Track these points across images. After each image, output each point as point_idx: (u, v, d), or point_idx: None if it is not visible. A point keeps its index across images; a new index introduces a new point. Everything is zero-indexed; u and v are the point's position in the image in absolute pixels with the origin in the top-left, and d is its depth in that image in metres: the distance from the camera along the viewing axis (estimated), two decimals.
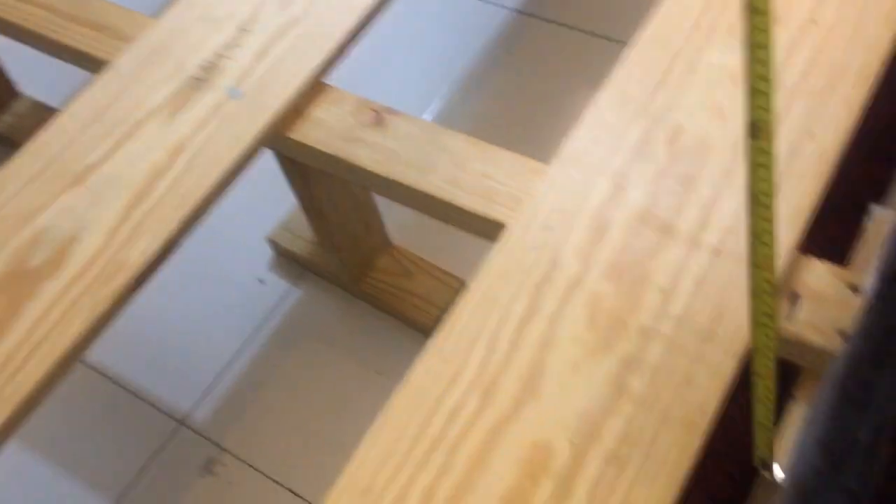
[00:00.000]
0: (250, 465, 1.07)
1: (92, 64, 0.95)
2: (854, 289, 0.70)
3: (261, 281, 1.21)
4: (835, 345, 0.66)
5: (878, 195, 1.04)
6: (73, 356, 0.74)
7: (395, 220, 1.21)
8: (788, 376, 0.70)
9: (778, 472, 0.63)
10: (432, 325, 1.09)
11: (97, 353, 1.16)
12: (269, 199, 1.19)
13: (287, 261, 1.23)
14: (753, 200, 0.47)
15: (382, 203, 1.14)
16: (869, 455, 0.53)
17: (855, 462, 0.52)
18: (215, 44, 0.92)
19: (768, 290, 0.51)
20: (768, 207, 0.47)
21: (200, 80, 0.89)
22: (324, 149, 0.84)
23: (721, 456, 1.04)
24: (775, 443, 0.63)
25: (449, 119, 1.34)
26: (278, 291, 1.20)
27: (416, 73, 1.41)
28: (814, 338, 0.67)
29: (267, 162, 0.95)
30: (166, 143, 0.85)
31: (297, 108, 0.87)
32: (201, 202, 0.80)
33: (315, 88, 0.89)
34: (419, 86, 1.39)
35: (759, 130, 0.45)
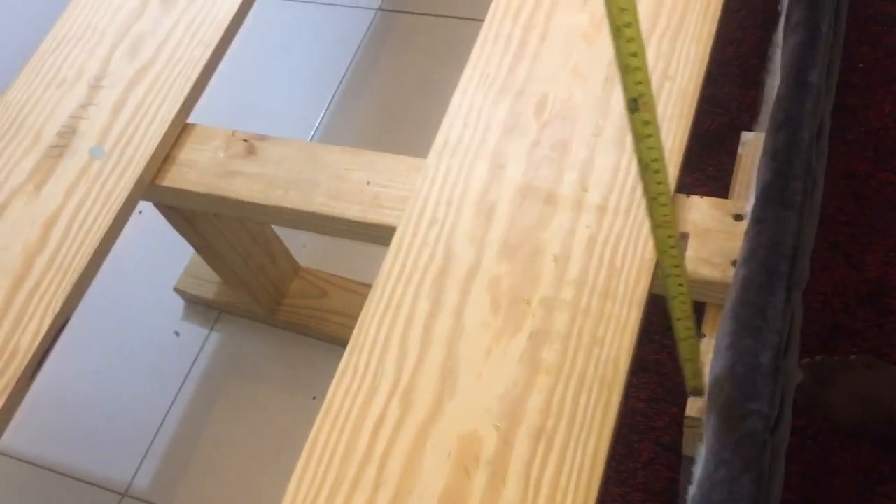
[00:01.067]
0: None
1: None
2: (738, 217, 0.72)
3: (176, 333, 1.18)
4: (730, 276, 0.67)
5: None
6: None
7: (301, 241, 1.19)
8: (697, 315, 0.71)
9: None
10: None
11: (19, 442, 1.12)
12: (169, 249, 1.16)
13: (200, 307, 1.20)
14: (645, 168, 0.48)
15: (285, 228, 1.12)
16: (774, 375, 0.54)
17: (762, 385, 0.54)
18: (69, 106, 0.89)
19: (673, 245, 0.53)
20: (659, 171, 0.48)
21: (61, 147, 0.86)
22: (199, 189, 0.82)
23: (660, 401, 1.07)
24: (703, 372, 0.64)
25: (337, 132, 1.33)
26: (197, 340, 1.18)
27: (297, 93, 1.40)
28: (708, 272, 0.68)
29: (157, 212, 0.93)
30: (37, 218, 0.82)
31: (166, 153, 0.85)
32: (84, 272, 0.77)
33: (181, 130, 0.87)
34: (302, 106, 1.38)
35: (639, 104, 0.45)
